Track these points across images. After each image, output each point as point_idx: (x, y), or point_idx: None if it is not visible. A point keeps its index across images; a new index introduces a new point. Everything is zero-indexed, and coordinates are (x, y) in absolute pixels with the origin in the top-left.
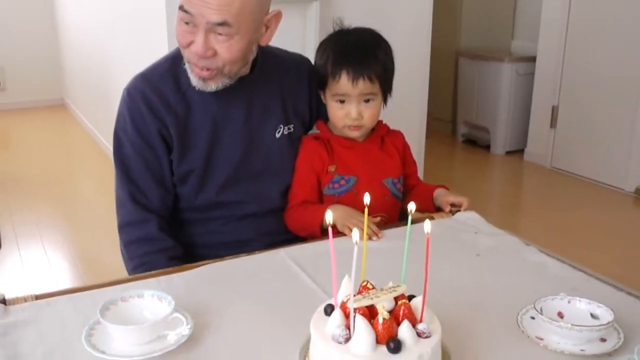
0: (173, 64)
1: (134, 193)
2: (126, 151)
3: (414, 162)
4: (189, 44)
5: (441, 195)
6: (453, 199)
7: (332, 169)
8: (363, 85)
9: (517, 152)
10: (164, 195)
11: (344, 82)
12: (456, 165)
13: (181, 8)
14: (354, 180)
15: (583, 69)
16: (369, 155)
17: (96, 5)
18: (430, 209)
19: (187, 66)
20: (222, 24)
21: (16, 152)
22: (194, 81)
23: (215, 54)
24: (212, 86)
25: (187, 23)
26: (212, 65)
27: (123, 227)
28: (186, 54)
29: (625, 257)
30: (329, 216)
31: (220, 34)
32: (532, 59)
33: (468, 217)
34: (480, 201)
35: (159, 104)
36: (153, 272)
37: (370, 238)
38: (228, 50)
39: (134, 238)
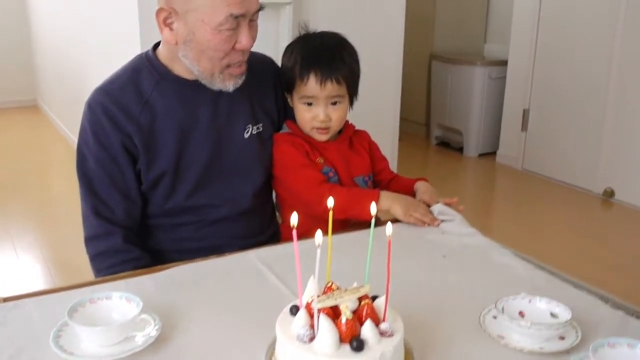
0: (134, 73)
1: (97, 207)
2: (89, 165)
3: (384, 158)
4: (234, 46)
5: (422, 192)
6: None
7: (320, 160)
8: (331, 87)
9: (490, 154)
10: (128, 207)
11: (312, 85)
12: (429, 168)
13: (231, 16)
14: (337, 175)
15: (553, 73)
16: (341, 154)
17: (70, 7)
18: None
19: (217, 77)
20: (260, 8)
21: None
22: (229, 86)
23: (253, 41)
24: (242, 78)
25: (230, 29)
26: (247, 55)
27: (88, 241)
28: (227, 60)
29: (593, 257)
30: (294, 218)
31: (252, 20)
32: (505, 63)
33: (440, 211)
34: None
35: (121, 115)
36: (122, 274)
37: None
38: (256, 33)
39: (99, 251)
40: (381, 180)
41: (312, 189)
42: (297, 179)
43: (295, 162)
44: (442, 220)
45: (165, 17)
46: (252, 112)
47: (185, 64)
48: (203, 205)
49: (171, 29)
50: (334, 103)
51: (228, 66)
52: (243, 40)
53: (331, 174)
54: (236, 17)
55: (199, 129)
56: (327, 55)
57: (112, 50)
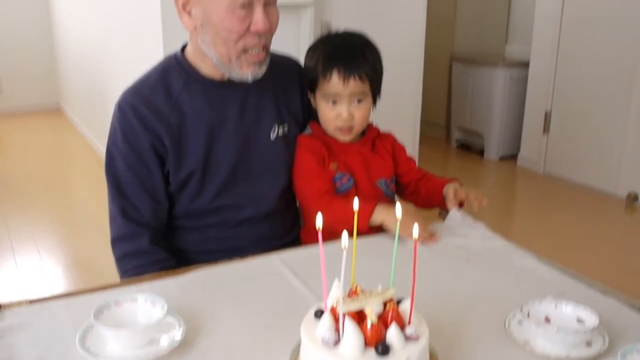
0: (163, 74)
1: (125, 208)
2: (118, 165)
3: (410, 159)
4: (248, 27)
5: (446, 195)
6: (461, 195)
7: (334, 166)
8: (354, 84)
9: (511, 157)
10: (156, 209)
11: (335, 82)
12: (450, 171)
13: None
14: (353, 180)
15: (575, 75)
16: (362, 156)
17: (93, 11)
18: (441, 206)
19: (235, 64)
20: None
21: (12, 156)
22: (247, 75)
23: (270, 26)
24: (263, 69)
25: (242, 8)
26: (267, 40)
27: (115, 241)
28: (242, 43)
29: (616, 262)
30: (319, 221)
31: (271, 4)
32: (526, 64)
33: (460, 218)
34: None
35: (151, 116)
36: (146, 276)
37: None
38: (275, 18)
39: (125, 252)
40: (409, 181)
41: (313, 199)
42: (304, 186)
43: (306, 169)
44: (466, 225)
45: (184, 3)
46: (278, 113)
47: (206, 56)
48: (228, 206)
49: (190, 15)
50: (358, 101)
51: (245, 51)
52: (258, 22)
53: (344, 180)
54: None
55: (226, 129)
56: (350, 53)
57: (135, 54)
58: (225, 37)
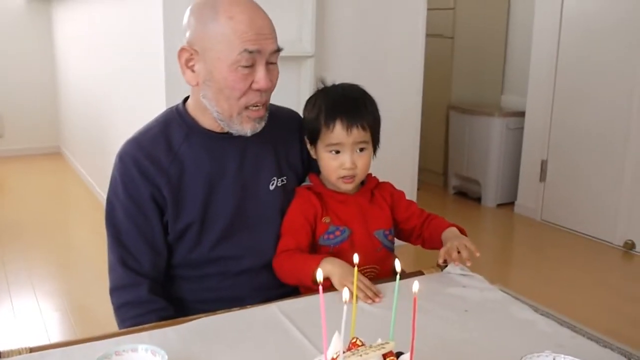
0: (164, 125)
1: (124, 257)
2: (118, 215)
3: (410, 203)
4: (250, 85)
5: (448, 240)
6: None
7: (326, 220)
8: (357, 133)
9: (508, 204)
10: (155, 259)
11: (338, 131)
12: (447, 218)
13: (245, 51)
14: (348, 232)
15: (571, 124)
16: (360, 208)
17: (95, 56)
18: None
19: (236, 119)
20: (278, 50)
21: (12, 200)
22: (246, 130)
23: (272, 84)
24: (262, 124)
25: (246, 66)
26: (267, 97)
27: (113, 291)
28: (244, 100)
29: (614, 310)
30: (320, 275)
31: (272, 63)
32: (522, 114)
33: (459, 270)
34: None
35: (152, 168)
36: (146, 325)
37: (371, 300)
38: (276, 76)
39: (124, 301)
40: (413, 227)
41: (277, 253)
42: (281, 240)
43: (287, 222)
44: (461, 274)
45: (187, 59)
46: (278, 165)
47: (207, 109)
48: (227, 257)
49: (193, 71)
50: (360, 150)
51: (246, 108)
52: (260, 80)
53: (337, 233)
54: (251, 52)
55: (225, 181)
56: (351, 103)
57: (136, 103)
58: (227, 94)
